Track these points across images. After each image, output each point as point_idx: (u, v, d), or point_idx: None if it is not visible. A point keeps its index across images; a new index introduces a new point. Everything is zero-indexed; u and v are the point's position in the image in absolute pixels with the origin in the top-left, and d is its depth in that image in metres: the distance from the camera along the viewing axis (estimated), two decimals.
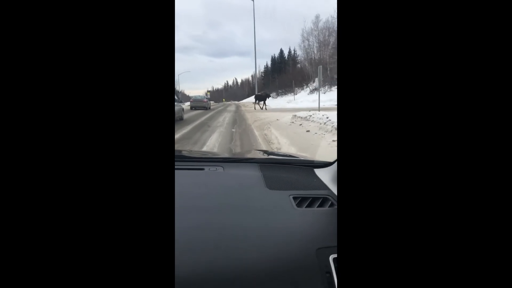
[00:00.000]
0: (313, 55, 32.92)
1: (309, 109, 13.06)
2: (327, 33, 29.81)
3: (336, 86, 24.54)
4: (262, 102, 15.19)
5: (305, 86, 30.40)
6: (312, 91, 26.87)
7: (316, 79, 28.35)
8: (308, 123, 6.24)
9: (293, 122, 6.90)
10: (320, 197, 0.70)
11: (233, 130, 6.37)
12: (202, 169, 0.90)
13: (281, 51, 50.74)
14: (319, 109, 8.56)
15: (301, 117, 7.04)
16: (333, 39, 28.37)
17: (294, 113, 8.17)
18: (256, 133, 5.73)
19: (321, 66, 9.04)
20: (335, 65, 25.97)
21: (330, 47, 28.89)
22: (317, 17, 35.13)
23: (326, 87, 24.98)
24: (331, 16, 32.14)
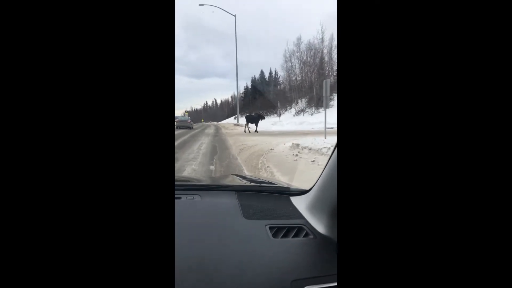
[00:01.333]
0: (295, 76, 32.21)
1: (300, 133, 11.28)
2: (311, 53, 29.28)
3: (323, 108, 23.41)
4: (254, 124, 12.81)
5: (288, 108, 29.08)
6: (298, 113, 25.45)
7: (301, 101, 27.31)
8: (326, 159, 4.18)
9: (298, 155, 4.83)
10: (296, 227, 0.71)
11: (212, 168, 4.19)
12: (179, 198, 0.88)
13: (262, 72, 50.29)
14: (325, 136, 6.62)
15: (310, 148, 5.00)
16: (318, 60, 27.78)
17: (293, 140, 6.16)
18: (248, 176, 3.60)
19: (328, 80, 7.22)
20: (322, 86, 25.28)
21: (314, 67, 28.18)
22: (298, 39, 35.04)
23: (313, 108, 23.79)
24: (314, 37, 31.99)
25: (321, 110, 22.16)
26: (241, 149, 6.32)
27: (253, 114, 14.53)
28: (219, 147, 6.87)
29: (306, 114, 23.68)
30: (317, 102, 23.61)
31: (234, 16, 23.37)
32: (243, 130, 12.88)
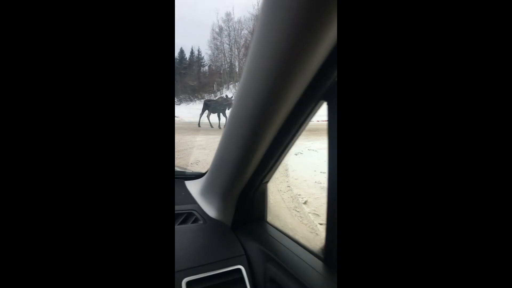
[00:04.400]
0: (225, 58, 28.79)
1: None
2: (242, 32, 26.15)
3: None
4: (217, 115, 8.58)
5: (218, 93, 25.66)
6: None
7: (232, 87, 23.57)
8: None
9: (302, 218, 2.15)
10: (184, 213, 0.72)
11: None
12: None
13: (182, 51, 44.54)
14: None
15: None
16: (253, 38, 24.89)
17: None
18: None
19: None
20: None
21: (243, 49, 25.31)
22: (228, 14, 31.40)
23: None
24: (249, 12, 28.89)
25: None
26: None
27: (217, 98, 9.89)
28: None
29: None
30: None
31: None
32: (210, 124, 8.50)
